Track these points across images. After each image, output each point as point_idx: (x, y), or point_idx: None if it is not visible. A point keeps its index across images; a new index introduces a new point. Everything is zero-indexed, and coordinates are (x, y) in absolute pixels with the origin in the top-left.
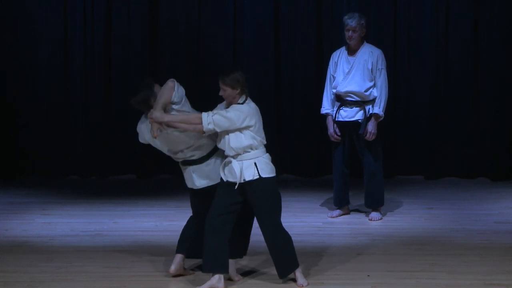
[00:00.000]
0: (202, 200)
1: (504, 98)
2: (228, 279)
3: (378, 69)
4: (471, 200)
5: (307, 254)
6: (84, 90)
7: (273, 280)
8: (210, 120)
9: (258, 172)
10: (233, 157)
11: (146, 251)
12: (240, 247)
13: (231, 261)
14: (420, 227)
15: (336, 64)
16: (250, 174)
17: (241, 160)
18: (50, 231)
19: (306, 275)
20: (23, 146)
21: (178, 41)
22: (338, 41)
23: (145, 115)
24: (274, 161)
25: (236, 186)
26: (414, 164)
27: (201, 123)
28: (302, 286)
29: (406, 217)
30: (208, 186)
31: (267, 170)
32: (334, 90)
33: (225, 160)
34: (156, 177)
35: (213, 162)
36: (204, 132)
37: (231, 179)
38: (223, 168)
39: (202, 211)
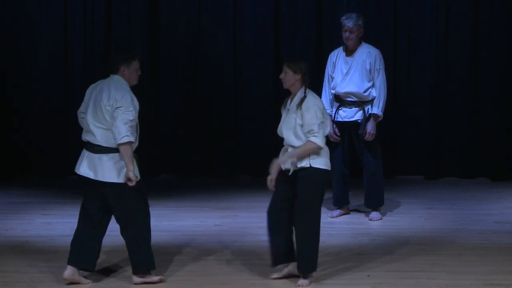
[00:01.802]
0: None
1: (504, 98)
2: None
3: (376, 69)
4: (471, 200)
5: None
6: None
7: (274, 280)
8: (321, 135)
9: (310, 162)
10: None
11: None
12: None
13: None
14: (420, 227)
15: (334, 64)
16: (303, 162)
17: None
18: (50, 231)
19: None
20: (23, 146)
21: (178, 41)
22: (338, 41)
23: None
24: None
25: (290, 173)
26: (414, 164)
27: (318, 147)
28: (301, 286)
29: (406, 217)
30: (90, 179)
31: (319, 162)
32: (333, 91)
33: (283, 148)
34: (156, 177)
35: (105, 159)
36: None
37: (286, 166)
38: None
39: (93, 213)
